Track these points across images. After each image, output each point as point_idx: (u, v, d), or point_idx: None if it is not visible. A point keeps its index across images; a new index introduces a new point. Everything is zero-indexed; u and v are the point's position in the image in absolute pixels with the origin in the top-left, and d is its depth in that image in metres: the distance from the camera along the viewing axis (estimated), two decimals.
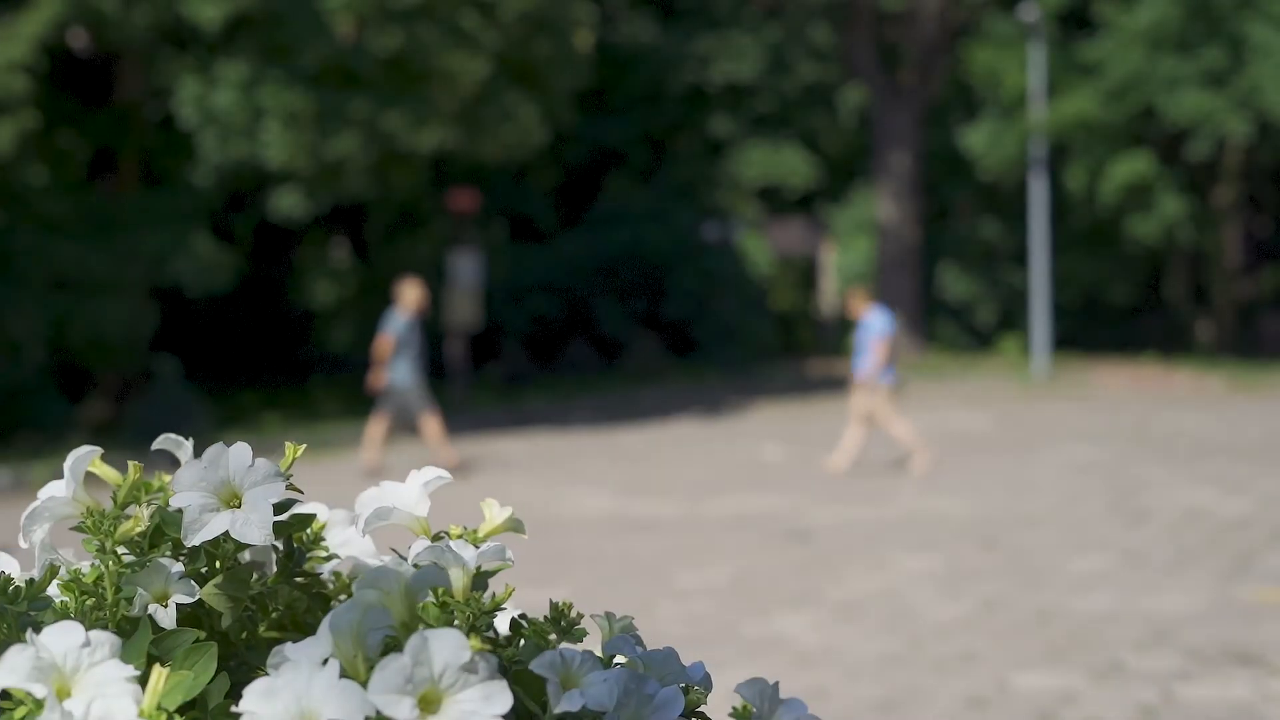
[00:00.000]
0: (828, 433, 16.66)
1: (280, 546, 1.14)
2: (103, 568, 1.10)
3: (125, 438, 16.15)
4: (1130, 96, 25.48)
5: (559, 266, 27.57)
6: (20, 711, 0.95)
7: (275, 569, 1.14)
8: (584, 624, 1.12)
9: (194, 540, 1.08)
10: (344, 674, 0.93)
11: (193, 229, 18.67)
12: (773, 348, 29.04)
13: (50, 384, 18.14)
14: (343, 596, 1.13)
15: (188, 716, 0.97)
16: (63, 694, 0.97)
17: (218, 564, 1.11)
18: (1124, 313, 31.07)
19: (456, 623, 1.02)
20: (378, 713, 0.88)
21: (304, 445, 1.21)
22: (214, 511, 1.08)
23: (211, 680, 1.00)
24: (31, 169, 17.60)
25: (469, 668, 0.91)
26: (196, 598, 1.10)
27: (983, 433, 17.76)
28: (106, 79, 19.54)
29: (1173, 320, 31.20)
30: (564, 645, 1.07)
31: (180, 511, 1.07)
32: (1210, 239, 29.36)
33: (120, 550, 1.11)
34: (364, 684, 0.89)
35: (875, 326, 14.38)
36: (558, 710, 0.96)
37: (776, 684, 1.12)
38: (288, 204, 19.59)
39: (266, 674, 0.94)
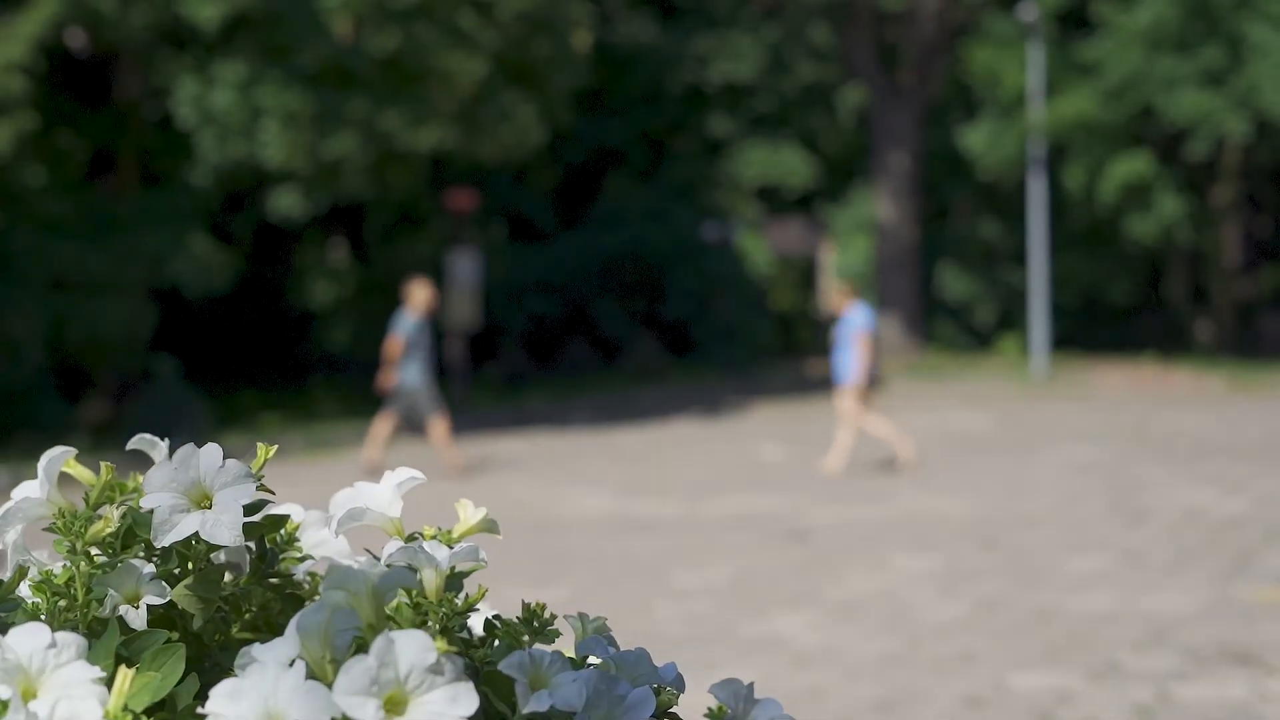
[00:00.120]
0: (827, 433, 16.66)
1: (253, 547, 1.14)
2: (74, 569, 1.09)
3: (124, 438, 16.03)
4: (1129, 96, 25.47)
5: (558, 266, 27.56)
6: None
7: (248, 570, 1.13)
8: (558, 624, 1.12)
9: (164, 541, 1.07)
10: (311, 675, 0.92)
11: (191, 229, 18.66)
12: (772, 348, 29.03)
13: (49, 384, 18.14)
14: (317, 597, 1.12)
15: (156, 718, 0.97)
16: (28, 695, 0.96)
17: (190, 565, 1.11)
18: (1123, 312, 31.06)
19: (430, 624, 1.02)
20: (343, 714, 0.88)
21: (275, 447, 1.21)
22: (184, 512, 1.07)
23: (181, 681, 1.00)
24: (30, 169, 17.60)
25: (435, 669, 0.91)
26: (168, 599, 1.10)
27: (982, 433, 17.76)
28: (105, 79, 19.54)
29: (1172, 320, 31.19)
30: (536, 646, 1.07)
31: (151, 512, 1.07)
32: (1209, 238, 29.36)
33: (94, 551, 1.11)
34: (331, 685, 0.88)
35: (856, 322, 14.38)
36: (526, 710, 0.96)
37: (751, 684, 1.12)
38: (286, 204, 19.59)
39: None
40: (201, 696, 0.98)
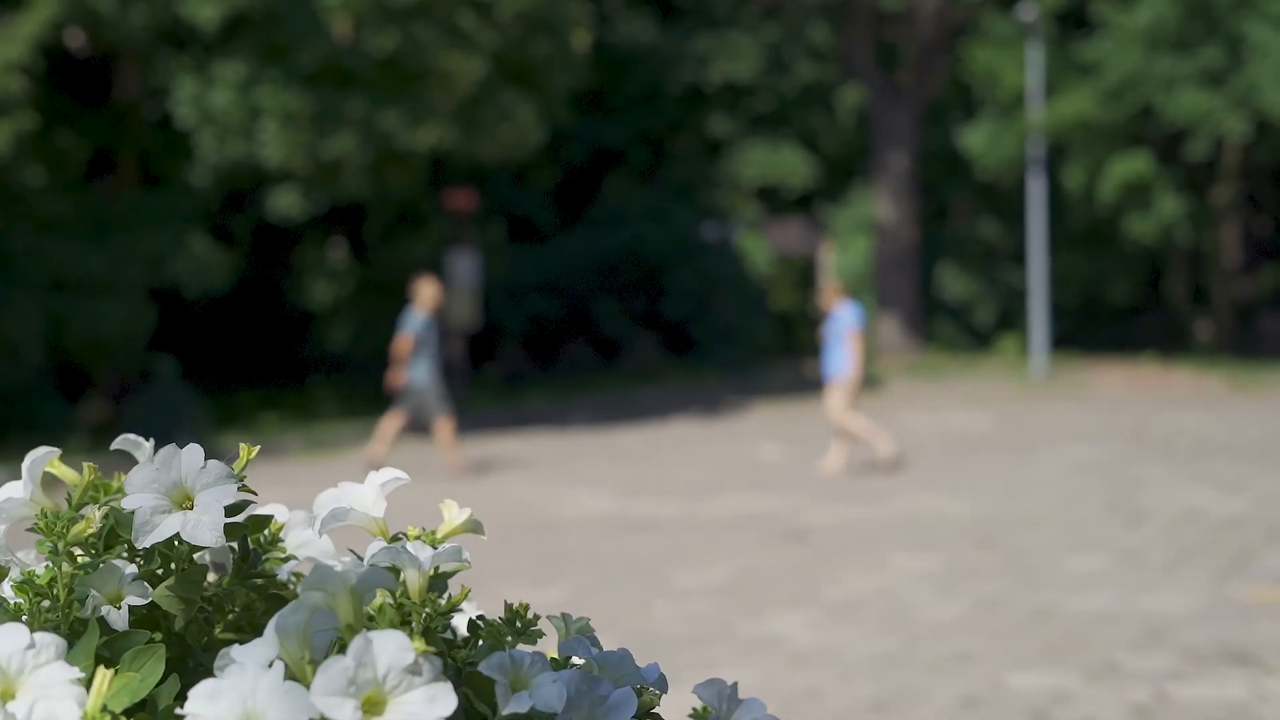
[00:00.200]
0: (827, 433, 16.65)
1: (235, 548, 1.14)
2: (56, 569, 1.09)
3: None
4: (1128, 96, 25.46)
5: (558, 266, 27.56)
6: None
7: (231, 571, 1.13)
8: (543, 625, 1.12)
9: (145, 542, 1.07)
10: (290, 676, 0.92)
11: (191, 229, 18.66)
12: (771, 348, 29.02)
13: (48, 384, 18.14)
14: None
15: (137, 718, 0.97)
16: (6, 696, 0.96)
17: (173, 566, 1.11)
18: (1123, 312, 31.06)
19: (413, 624, 1.02)
20: (321, 715, 0.88)
21: (257, 447, 1.21)
22: (166, 513, 1.07)
23: (162, 682, 1.00)
24: (29, 169, 17.60)
25: (413, 669, 0.91)
26: (150, 600, 1.09)
27: (981, 433, 17.76)
28: (104, 79, 19.54)
29: (1171, 320, 31.18)
30: (520, 647, 1.06)
31: (133, 513, 1.07)
32: (1209, 238, 29.35)
33: (77, 551, 1.10)
34: (310, 686, 0.88)
35: (846, 320, 14.40)
36: (506, 711, 0.96)
37: (735, 684, 1.11)
38: (285, 204, 19.58)
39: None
40: (183, 697, 0.98)
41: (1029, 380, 24.75)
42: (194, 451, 1.10)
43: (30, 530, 1.15)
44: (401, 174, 20.00)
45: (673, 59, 29.51)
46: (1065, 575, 8.67)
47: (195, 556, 1.12)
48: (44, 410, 17.34)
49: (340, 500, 1.14)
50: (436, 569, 1.09)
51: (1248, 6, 24.76)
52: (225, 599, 1.12)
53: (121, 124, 19.30)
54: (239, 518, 1.12)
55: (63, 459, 1.24)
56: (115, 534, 1.11)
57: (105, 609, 1.09)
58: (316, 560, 1.19)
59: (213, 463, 1.10)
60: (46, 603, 1.08)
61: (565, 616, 1.13)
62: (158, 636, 1.07)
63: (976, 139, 27.54)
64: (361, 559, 1.10)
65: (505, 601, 1.10)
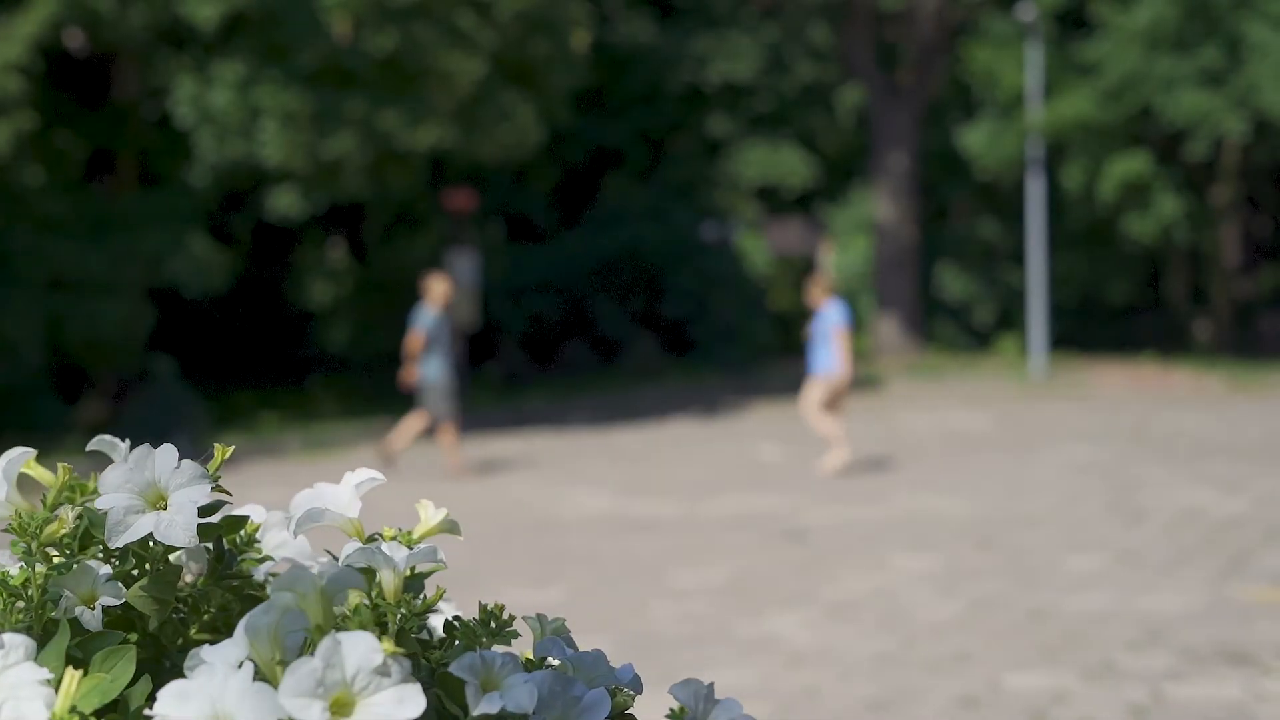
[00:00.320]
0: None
1: (210, 548, 1.13)
2: (29, 570, 1.09)
3: (122, 438, 16.11)
4: (1128, 96, 25.46)
5: (557, 266, 27.55)
6: None
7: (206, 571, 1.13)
8: (517, 625, 1.11)
9: (118, 542, 1.07)
10: (261, 677, 0.92)
11: (190, 229, 18.65)
12: (771, 347, 29.00)
13: (47, 384, 18.13)
14: None
15: (107, 719, 0.96)
16: None
17: (147, 566, 1.10)
18: (1122, 312, 31.05)
19: (389, 625, 1.01)
20: (289, 716, 0.87)
21: (232, 448, 1.20)
22: (139, 513, 1.07)
23: (134, 683, 0.99)
24: (28, 169, 17.59)
25: (382, 670, 0.90)
26: (123, 600, 1.09)
27: (981, 432, 17.75)
28: (103, 79, 19.53)
29: (1171, 320, 31.17)
30: (495, 647, 1.06)
31: (107, 513, 1.06)
32: (1208, 238, 29.34)
33: (52, 552, 1.10)
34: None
35: (833, 317, 14.41)
36: (477, 712, 0.95)
37: (711, 684, 1.11)
38: (285, 204, 19.57)
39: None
40: (154, 698, 0.97)
41: (1028, 380, 24.75)
42: (167, 452, 1.10)
43: (5, 531, 1.15)
44: (401, 174, 19.99)
45: (672, 59, 29.50)
46: (1064, 575, 8.67)
47: (171, 557, 1.12)
48: (43, 410, 17.33)
49: (316, 501, 1.14)
50: (413, 570, 1.09)
51: (1247, 6, 24.75)
52: (201, 599, 1.12)
53: (121, 124, 19.30)
54: (214, 518, 1.11)
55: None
56: (90, 535, 1.10)
57: (79, 610, 1.09)
58: (293, 561, 1.18)
59: (186, 463, 1.10)
60: (20, 603, 1.08)
61: (541, 617, 1.13)
62: (133, 637, 1.07)
63: (976, 139, 27.54)
64: (337, 560, 1.09)
65: (480, 602, 1.10)
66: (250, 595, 1.13)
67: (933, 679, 6.38)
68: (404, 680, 0.92)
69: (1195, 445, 15.61)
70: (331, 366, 24.91)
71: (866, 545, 9.91)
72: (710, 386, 24.06)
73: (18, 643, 0.98)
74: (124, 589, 1.10)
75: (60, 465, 1.15)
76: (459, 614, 1.11)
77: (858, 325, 29.83)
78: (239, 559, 1.15)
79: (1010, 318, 29.58)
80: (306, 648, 0.95)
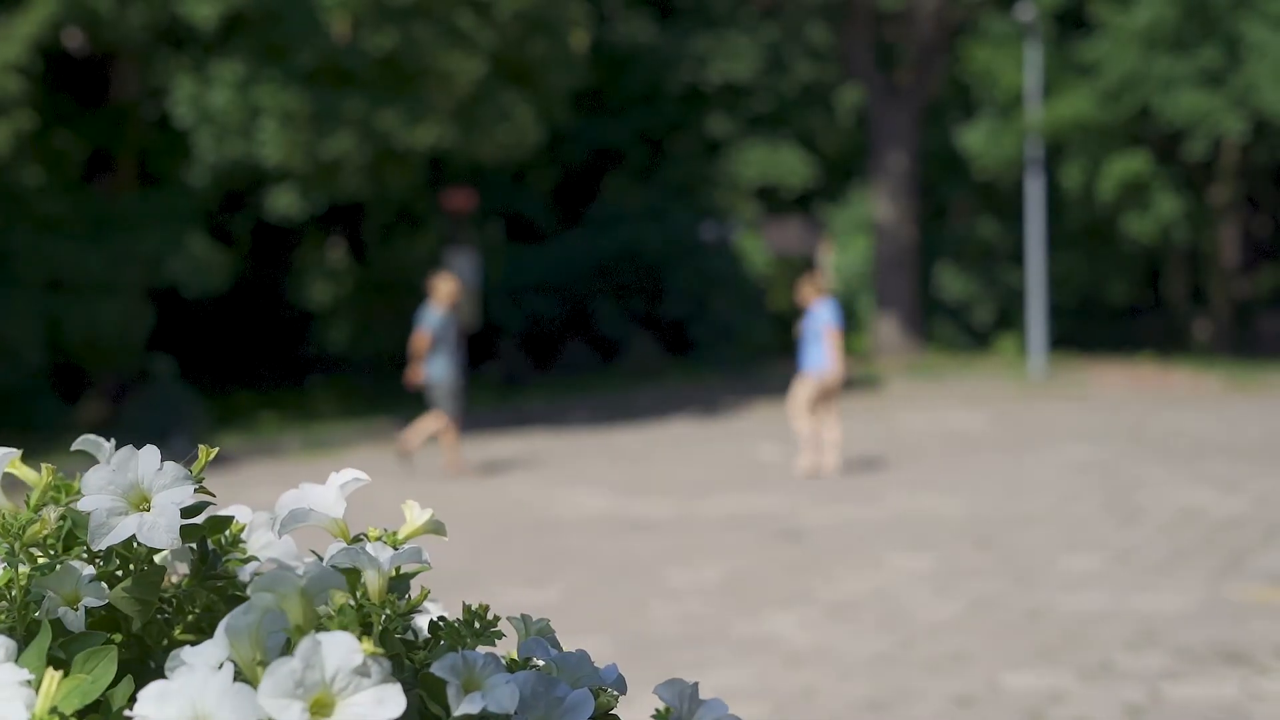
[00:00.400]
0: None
1: (195, 549, 1.14)
2: (12, 571, 1.09)
3: (122, 439, 15.99)
4: (1127, 96, 25.46)
5: (556, 266, 27.55)
6: None
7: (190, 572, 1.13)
8: (503, 626, 1.11)
9: (100, 544, 1.07)
10: (241, 677, 0.92)
11: (189, 229, 18.65)
12: (770, 347, 28.99)
13: (46, 385, 18.12)
14: None
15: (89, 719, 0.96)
16: None
17: (131, 567, 1.10)
18: (1121, 312, 31.05)
19: (373, 625, 1.01)
20: (268, 717, 0.87)
21: (216, 449, 1.20)
22: (122, 515, 1.07)
23: (117, 684, 0.99)
24: (27, 169, 17.59)
25: (361, 671, 0.90)
26: (106, 601, 1.09)
27: (980, 432, 17.75)
28: (102, 79, 19.53)
29: (1170, 319, 31.17)
30: (481, 648, 1.06)
31: (89, 514, 1.06)
32: (1207, 238, 29.34)
33: (36, 553, 1.10)
34: None
35: (823, 317, 14.42)
36: (458, 712, 0.95)
37: (696, 684, 1.11)
38: (284, 203, 19.57)
39: None
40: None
41: (1027, 380, 24.75)
42: (150, 453, 1.10)
43: None
44: (400, 174, 19.99)
45: (672, 59, 29.50)
46: (1061, 575, 8.67)
47: (157, 558, 1.12)
48: (42, 410, 17.33)
49: (301, 501, 1.14)
50: (397, 570, 1.09)
51: (1246, 6, 24.75)
52: (185, 600, 1.12)
53: (120, 124, 19.30)
54: (199, 519, 1.12)
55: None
56: (74, 536, 1.10)
57: (62, 610, 1.09)
58: (279, 561, 1.18)
59: (169, 464, 1.10)
60: (4, 604, 1.08)
61: (525, 618, 1.13)
62: (117, 638, 1.07)
63: (975, 139, 27.54)
64: (322, 560, 1.10)
65: (464, 603, 1.10)
66: (235, 596, 1.13)
67: (930, 679, 6.39)
68: (384, 681, 0.92)
69: (1194, 445, 15.61)
70: (331, 366, 24.91)
71: (865, 545, 9.91)
72: (709, 386, 24.06)
73: None
74: (108, 590, 1.10)
75: (44, 466, 1.15)
76: (443, 614, 1.11)
77: (857, 325, 29.85)
78: (224, 560, 1.16)
79: (1009, 317, 29.58)
80: (288, 648, 0.95)
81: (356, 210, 25.34)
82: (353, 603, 1.02)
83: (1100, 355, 27.93)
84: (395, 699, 0.91)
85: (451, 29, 18.67)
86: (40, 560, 1.11)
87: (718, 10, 29.99)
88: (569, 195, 29.69)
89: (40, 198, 17.81)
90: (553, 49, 20.01)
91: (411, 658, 1.04)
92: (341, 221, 26.08)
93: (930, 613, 7.75)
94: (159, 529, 1.07)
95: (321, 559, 1.10)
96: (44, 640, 1.02)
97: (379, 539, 1.13)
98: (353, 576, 1.06)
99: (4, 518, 1.11)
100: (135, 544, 1.09)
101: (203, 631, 1.11)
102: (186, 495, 1.09)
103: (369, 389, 22.61)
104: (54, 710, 0.95)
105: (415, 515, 1.17)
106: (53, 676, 0.96)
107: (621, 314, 27.78)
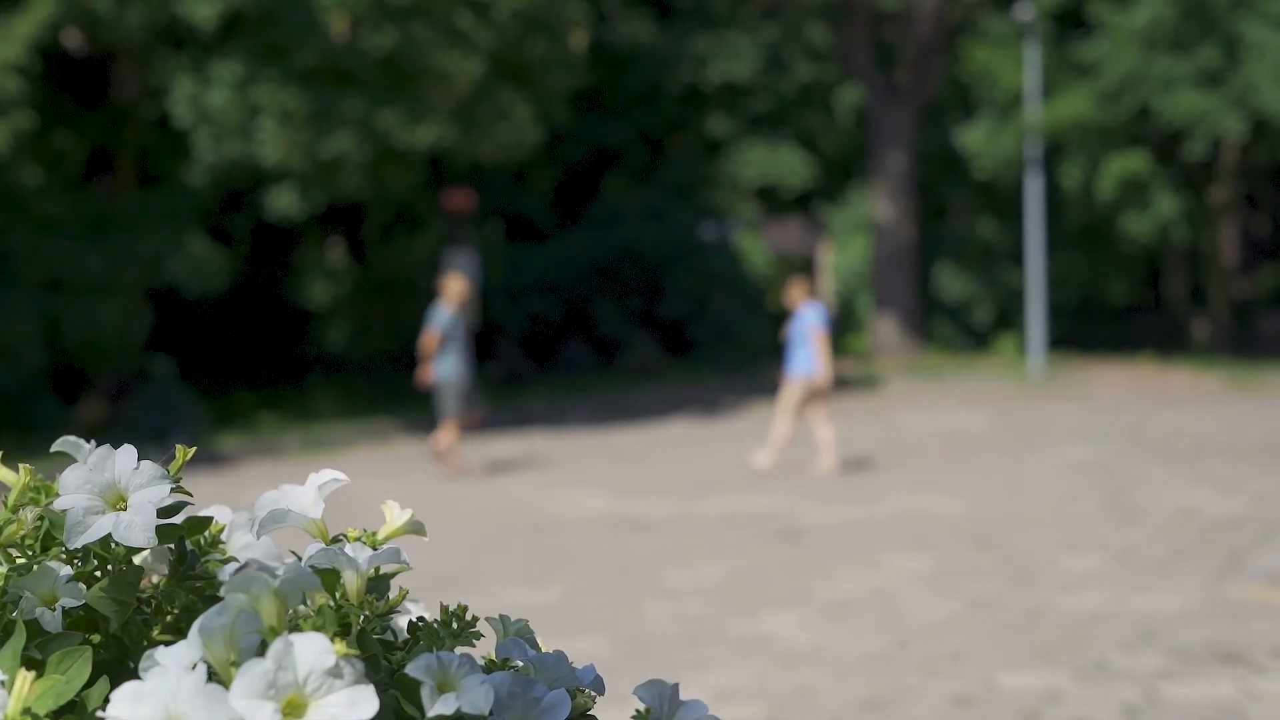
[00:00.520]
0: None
1: (173, 549, 1.13)
2: None
3: (121, 439, 16.03)
4: (1126, 96, 25.46)
5: (556, 266, 27.56)
6: None
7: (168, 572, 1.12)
8: (481, 626, 1.11)
9: (77, 542, 1.07)
10: (215, 678, 0.92)
11: (188, 229, 18.65)
12: (770, 348, 29.00)
13: (45, 385, 18.12)
14: None
15: None
16: None
17: (109, 567, 1.10)
18: (1121, 312, 31.06)
19: (352, 626, 1.01)
20: (240, 718, 0.87)
21: (194, 449, 1.20)
22: (99, 514, 1.07)
23: (92, 684, 0.99)
24: (27, 169, 17.59)
25: (334, 672, 0.90)
26: (84, 601, 1.09)
27: (979, 432, 17.75)
28: (101, 79, 19.53)
29: (1170, 319, 31.18)
30: (460, 648, 1.06)
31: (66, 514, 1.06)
32: (1207, 238, 29.35)
33: (14, 553, 1.10)
34: None
35: (810, 319, 14.43)
36: (432, 713, 0.95)
37: (676, 685, 1.11)
38: (283, 203, 19.58)
39: None
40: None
41: (1027, 380, 24.75)
42: (127, 452, 1.10)
43: None
44: (400, 173, 19.99)
45: (671, 59, 29.51)
46: (1060, 575, 8.67)
47: (137, 559, 1.11)
48: (41, 410, 17.33)
49: (280, 502, 1.14)
50: (377, 570, 1.09)
51: (1245, 6, 24.76)
52: (164, 601, 1.12)
53: (119, 124, 19.30)
54: (176, 519, 1.11)
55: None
56: (52, 536, 1.10)
57: (40, 611, 1.09)
58: (258, 562, 1.18)
59: (146, 463, 1.10)
60: None
61: (504, 618, 1.13)
62: (95, 639, 1.06)
63: (974, 138, 27.55)
64: (300, 560, 1.09)
65: (441, 603, 1.10)
66: (213, 597, 1.12)
67: (927, 679, 6.38)
68: (357, 682, 0.92)
69: (1193, 445, 15.61)
70: (331, 366, 24.91)
71: (863, 545, 9.91)
72: (709, 386, 24.07)
73: None
74: (85, 590, 1.10)
75: (22, 466, 1.15)
76: (423, 615, 1.11)
77: (857, 325, 29.86)
78: (203, 560, 1.15)
79: (1009, 317, 29.58)
80: (262, 650, 0.95)
81: (356, 210, 25.35)
82: (332, 603, 1.02)
83: (1100, 355, 27.94)
84: (368, 700, 0.90)
85: (451, 29, 18.67)
86: (18, 560, 1.11)
87: (717, 10, 29.99)
88: (569, 195, 29.69)
89: (40, 198, 17.82)
90: (552, 49, 20.01)
91: (389, 658, 1.04)
92: (341, 221, 26.08)
93: (929, 613, 7.75)
94: (135, 528, 1.07)
95: (300, 559, 1.09)
96: (18, 641, 1.02)
97: (358, 539, 1.13)
98: (332, 577, 1.06)
99: None
100: (113, 544, 1.09)
101: (181, 632, 1.10)
102: (163, 494, 1.09)
103: (368, 389, 22.62)
104: (27, 711, 0.95)
105: (395, 515, 1.17)
106: (25, 677, 0.96)
107: (621, 314, 27.78)
